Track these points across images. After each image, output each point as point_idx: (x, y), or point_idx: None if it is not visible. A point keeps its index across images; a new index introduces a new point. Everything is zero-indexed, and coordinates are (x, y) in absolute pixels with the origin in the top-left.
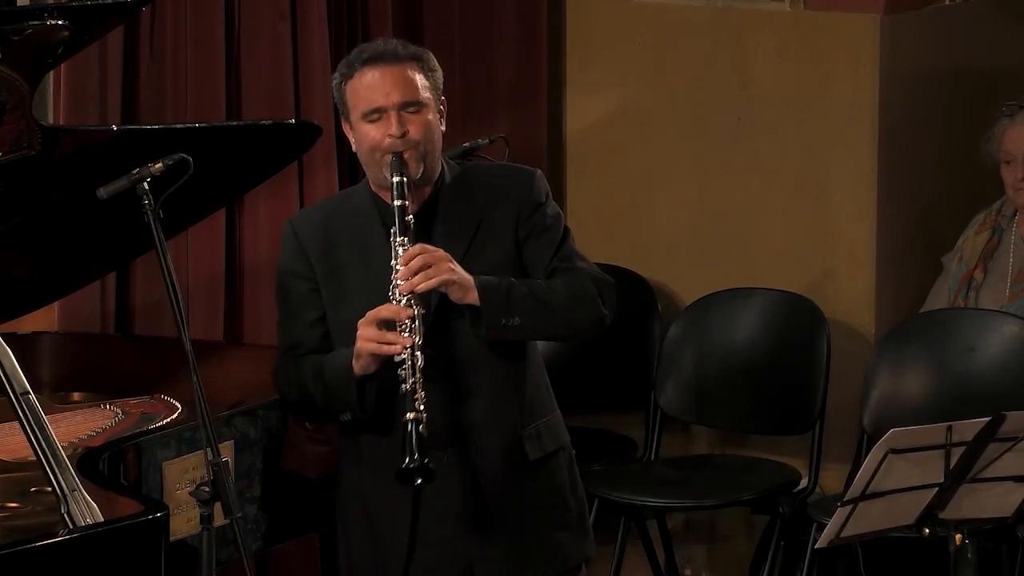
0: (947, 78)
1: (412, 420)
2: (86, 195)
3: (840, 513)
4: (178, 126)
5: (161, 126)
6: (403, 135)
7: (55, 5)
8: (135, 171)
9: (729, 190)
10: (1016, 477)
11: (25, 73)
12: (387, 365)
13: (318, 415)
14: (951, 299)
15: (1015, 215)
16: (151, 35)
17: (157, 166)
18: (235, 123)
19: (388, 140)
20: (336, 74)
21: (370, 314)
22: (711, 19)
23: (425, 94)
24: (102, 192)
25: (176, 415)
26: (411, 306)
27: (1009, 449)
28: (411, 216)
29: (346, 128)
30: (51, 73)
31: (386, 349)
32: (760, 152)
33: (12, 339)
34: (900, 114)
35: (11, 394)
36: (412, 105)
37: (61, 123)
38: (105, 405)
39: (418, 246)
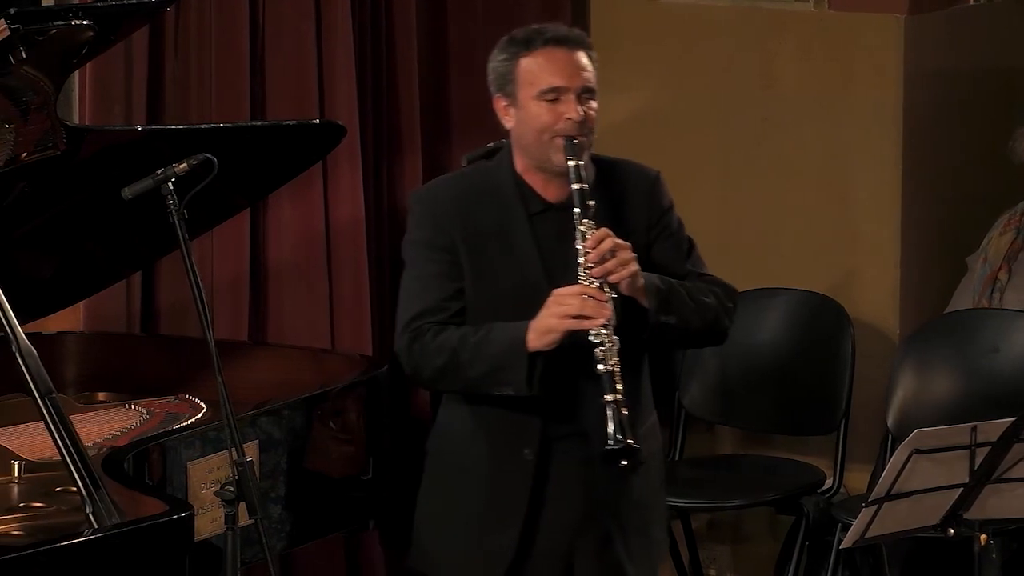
0: (971, 78)
1: (614, 402)
2: (111, 195)
3: (865, 513)
4: (203, 126)
5: (186, 126)
6: (582, 120)
7: (80, 5)
8: (160, 171)
9: (753, 190)
10: None
11: (50, 73)
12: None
13: (459, 385)
14: (975, 300)
15: None
16: (176, 35)
17: (182, 166)
18: (259, 123)
19: (564, 123)
20: (502, 52)
21: (565, 290)
22: (735, 19)
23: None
24: (127, 192)
25: (201, 415)
26: (604, 290)
27: None
28: (593, 201)
29: (501, 104)
30: (76, 73)
31: (586, 323)
32: (784, 153)
33: (37, 339)
34: (924, 114)
35: (36, 394)
36: (590, 93)
37: (86, 123)
38: (130, 405)
39: (604, 230)
